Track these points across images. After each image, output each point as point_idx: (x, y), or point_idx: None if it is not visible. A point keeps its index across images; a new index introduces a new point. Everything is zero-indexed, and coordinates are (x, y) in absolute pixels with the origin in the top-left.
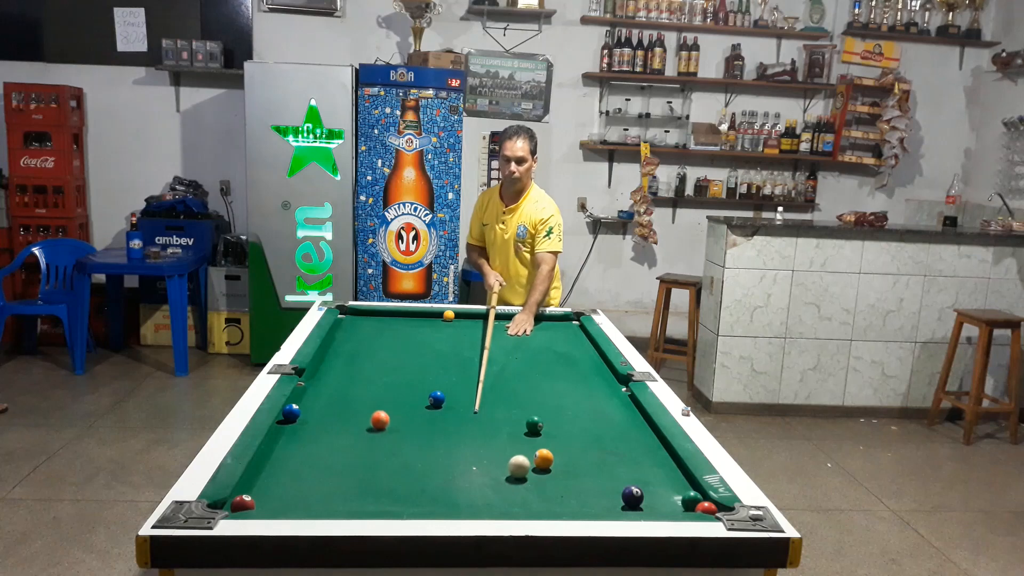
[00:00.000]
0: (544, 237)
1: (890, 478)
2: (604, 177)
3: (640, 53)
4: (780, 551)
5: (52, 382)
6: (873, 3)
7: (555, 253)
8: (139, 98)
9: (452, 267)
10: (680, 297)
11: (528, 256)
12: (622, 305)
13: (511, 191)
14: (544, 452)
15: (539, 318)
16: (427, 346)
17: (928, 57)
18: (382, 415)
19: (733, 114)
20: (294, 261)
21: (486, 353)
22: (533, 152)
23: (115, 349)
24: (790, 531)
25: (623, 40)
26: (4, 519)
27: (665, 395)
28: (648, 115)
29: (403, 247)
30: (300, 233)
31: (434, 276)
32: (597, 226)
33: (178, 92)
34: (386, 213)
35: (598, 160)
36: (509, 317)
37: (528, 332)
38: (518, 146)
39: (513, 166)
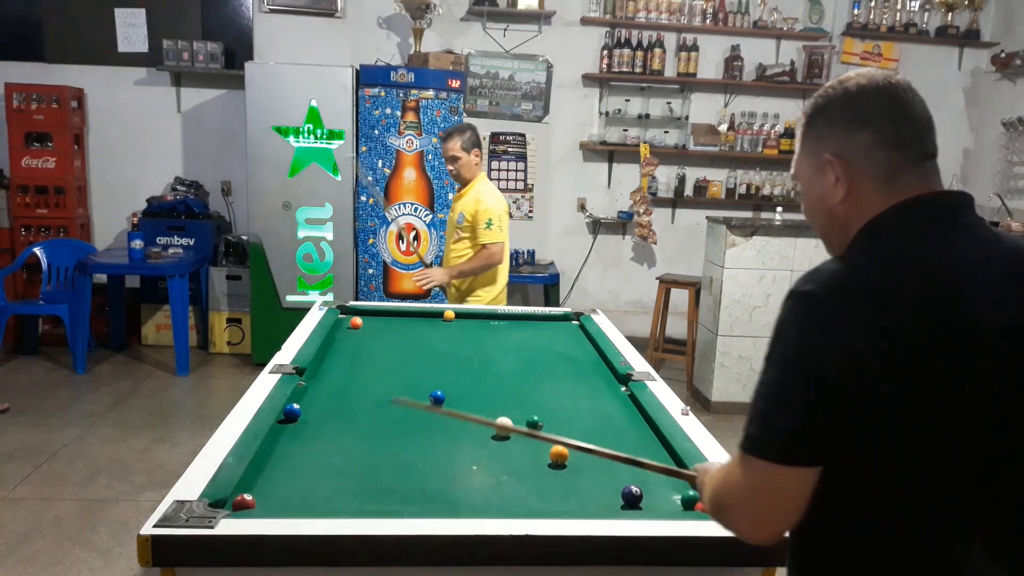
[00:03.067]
0: (484, 228)
1: None
2: (604, 177)
3: (640, 54)
4: (780, 550)
5: (53, 382)
6: (872, 4)
7: (492, 244)
8: (140, 99)
9: None
10: (680, 297)
11: (467, 243)
12: (622, 305)
13: (460, 183)
14: (559, 448)
15: (539, 317)
16: (427, 346)
17: (927, 57)
18: (356, 320)
19: (732, 114)
20: (295, 261)
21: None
22: (469, 147)
23: (116, 349)
24: None
25: (623, 41)
26: (6, 518)
27: (664, 395)
28: (648, 115)
29: (403, 247)
30: (301, 233)
31: None
32: (597, 226)
33: (179, 93)
34: (386, 213)
35: (598, 160)
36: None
37: (432, 286)
38: (448, 146)
39: (448, 166)
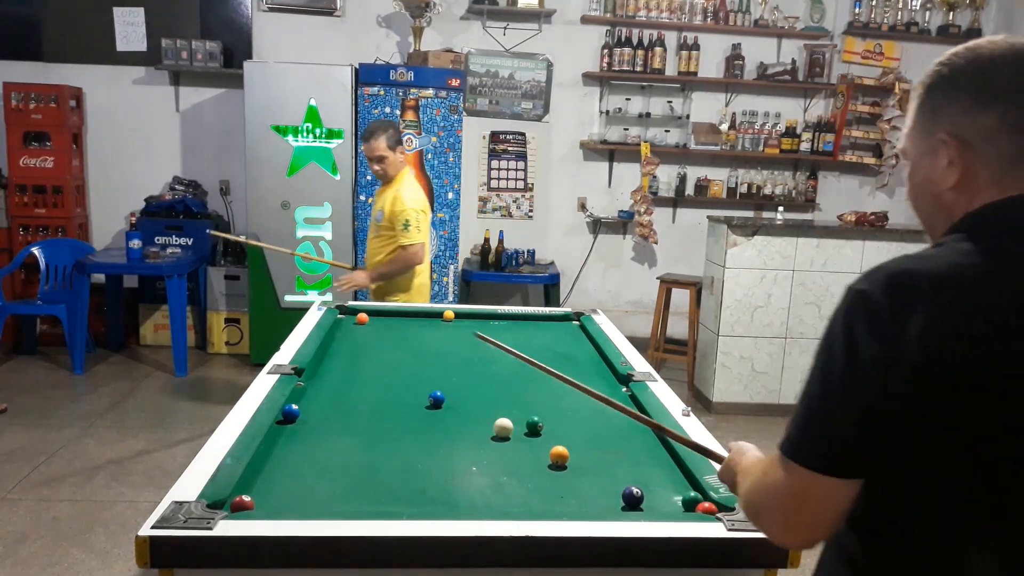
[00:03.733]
0: (402, 230)
1: None
2: (604, 177)
3: (640, 53)
4: (780, 551)
5: (51, 382)
6: (874, 3)
7: (410, 245)
8: (138, 98)
9: (452, 267)
10: (680, 297)
11: (384, 240)
12: (622, 305)
13: (386, 182)
14: (559, 449)
15: (539, 317)
16: (427, 346)
17: (929, 57)
18: (363, 316)
19: (733, 114)
20: (293, 261)
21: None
22: (394, 145)
23: (114, 349)
24: None
25: (623, 40)
26: (4, 519)
27: (665, 395)
28: (648, 115)
29: None
30: (300, 233)
31: (434, 276)
32: (597, 226)
33: (177, 92)
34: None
35: (598, 160)
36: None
37: (352, 288)
38: (374, 145)
39: (374, 166)
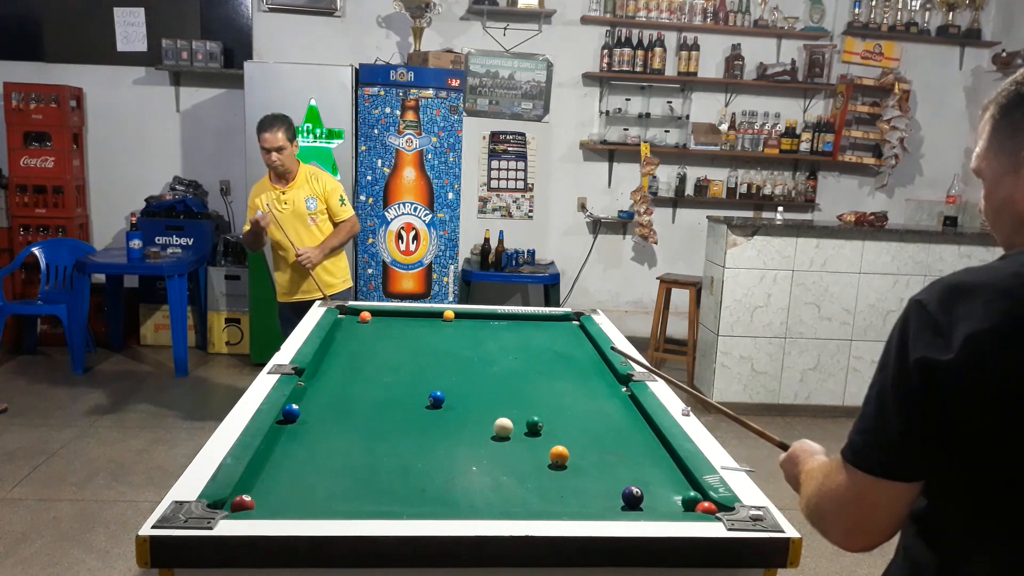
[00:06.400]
0: (341, 206)
1: None
2: (604, 177)
3: (640, 53)
4: (780, 551)
5: (52, 382)
6: (873, 3)
7: (351, 216)
8: (139, 98)
9: (452, 267)
10: (680, 297)
11: (321, 228)
12: (622, 305)
13: (281, 174)
14: (559, 448)
15: (539, 317)
16: (427, 346)
17: (928, 57)
18: (366, 314)
19: (733, 114)
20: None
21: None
22: (292, 138)
23: (115, 349)
24: (790, 531)
25: (623, 40)
26: (4, 519)
27: (665, 395)
28: (648, 115)
29: (403, 247)
30: None
31: (434, 276)
32: (597, 226)
33: (178, 92)
34: (386, 213)
35: (598, 160)
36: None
37: (312, 265)
38: (276, 137)
39: (273, 156)
